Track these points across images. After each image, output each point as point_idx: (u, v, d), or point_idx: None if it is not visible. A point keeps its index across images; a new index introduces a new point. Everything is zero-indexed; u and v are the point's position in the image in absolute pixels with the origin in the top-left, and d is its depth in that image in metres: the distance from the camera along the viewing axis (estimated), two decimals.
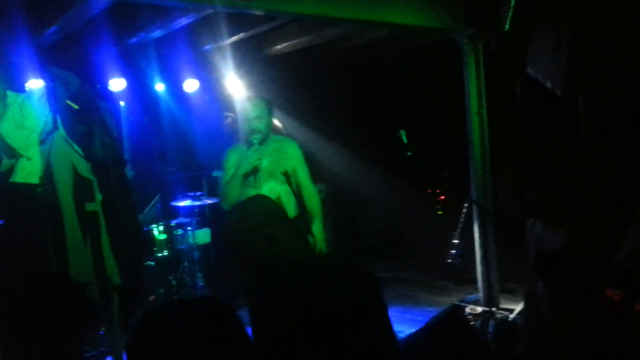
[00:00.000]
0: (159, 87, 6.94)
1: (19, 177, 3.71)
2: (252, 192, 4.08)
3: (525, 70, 5.36)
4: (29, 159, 3.72)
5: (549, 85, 5.24)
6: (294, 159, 4.37)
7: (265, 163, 4.19)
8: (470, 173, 5.66)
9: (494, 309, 5.34)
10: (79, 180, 3.77)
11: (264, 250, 2.04)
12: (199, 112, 7.37)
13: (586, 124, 5.28)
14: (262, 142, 4.23)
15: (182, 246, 6.39)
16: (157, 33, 5.42)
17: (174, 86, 6.96)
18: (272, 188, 4.16)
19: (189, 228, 6.43)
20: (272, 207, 2.20)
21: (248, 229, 2.07)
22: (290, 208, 4.21)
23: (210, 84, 7.15)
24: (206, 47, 6.27)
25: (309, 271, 1.89)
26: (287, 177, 4.09)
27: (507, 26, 5.19)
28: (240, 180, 4.16)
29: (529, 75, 5.34)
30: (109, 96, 5.95)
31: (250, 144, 4.25)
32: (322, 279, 1.82)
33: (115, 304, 3.92)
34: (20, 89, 4.52)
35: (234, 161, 4.31)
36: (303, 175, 4.42)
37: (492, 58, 5.56)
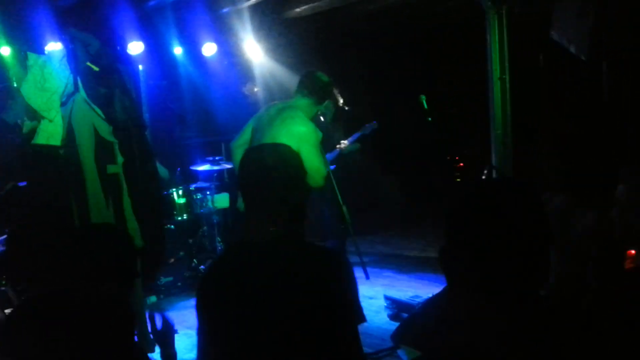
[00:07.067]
0: (177, 50, 6.91)
1: (40, 138, 3.73)
2: None
3: (549, 35, 5.25)
4: (50, 121, 3.73)
5: (573, 50, 5.13)
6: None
7: None
8: (491, 139, 5.59)
9: None
10: (100, 143, 3.78)
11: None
12: (217, 76, 7.34)
13: (609, 89, 5.19)
14: None
15: (202, 210, 6.43)
16: None
17: (192, 50, 6.92)
18: None
19: (208, 192, 6.46)
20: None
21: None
22: None
23: (229, 48, 7.10)
24: (224, 10, 6.21)
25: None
26: None
27: None
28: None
29: (553, 40, 5.23)
30: (128, 59, 5.93)
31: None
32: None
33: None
34: (40, 51, 4.53)
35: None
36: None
37: (516, 22, 5.44)
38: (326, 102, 5.65)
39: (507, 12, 5.48)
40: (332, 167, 6.11)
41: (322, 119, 5.68)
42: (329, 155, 6.06)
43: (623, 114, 5.06)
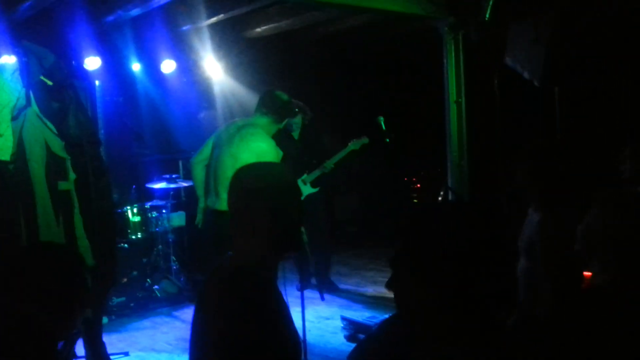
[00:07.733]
0: (136, 67, 6.82)
1: None
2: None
3: (504, 60, 5.39)
4: (0, 135, 3.63)
5: (526, 75, 5.27)
6: None
7: None
8: (447, 161, 5.69)
9: None
10: (52, 158, 3.70)
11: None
12: (175, 94, 7.27)
13: (562, 114, 5.34)
14: None
15: (157, 229, 6.32)
16: (135, 12, 5.32)
17: (151, 66, 6.85)
18: None
19: (163, 211, 6.36)
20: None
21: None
22: None
23: (188, 65, 7.06)
24: (184, 28, 6.19)
25: None
26: None
27: (487, 16, 5.21)
28: None
29: (508, 65, 5.37)
30: (84, 74, 5.83)
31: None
32: None
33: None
34: None
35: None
36: None
37: (472, 47, 5.57)
38: (296, 118, 5.66)
39: (463, 38, 5.61)
40: (314, 190, 5.97)
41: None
42: (308, 177, 5.94)
43: (577, 135, 5.21)
